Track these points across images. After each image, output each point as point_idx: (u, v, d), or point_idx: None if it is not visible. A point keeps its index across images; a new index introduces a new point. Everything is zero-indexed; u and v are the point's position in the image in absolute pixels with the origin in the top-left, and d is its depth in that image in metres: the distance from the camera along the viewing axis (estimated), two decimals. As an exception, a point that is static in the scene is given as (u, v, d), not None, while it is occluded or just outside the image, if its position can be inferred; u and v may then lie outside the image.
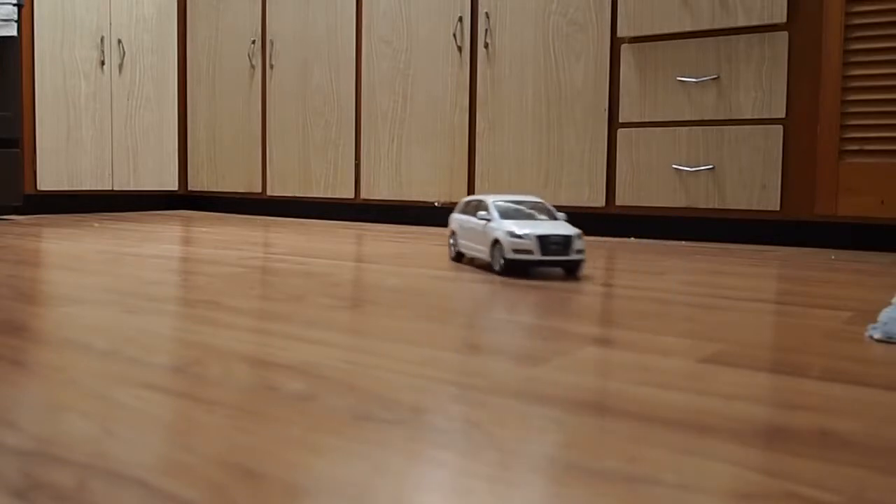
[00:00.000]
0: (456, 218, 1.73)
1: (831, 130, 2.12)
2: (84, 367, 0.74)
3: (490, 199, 1.60)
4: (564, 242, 1.47)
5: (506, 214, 1.55)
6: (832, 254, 2.04)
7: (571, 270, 1.51)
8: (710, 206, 2.30)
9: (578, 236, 1.49)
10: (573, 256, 1.48)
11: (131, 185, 3.38)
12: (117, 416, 0.59)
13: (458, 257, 1.74)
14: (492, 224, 1.53)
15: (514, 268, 1.48)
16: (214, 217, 3.27)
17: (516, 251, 1.47)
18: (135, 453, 0.51)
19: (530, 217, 1.56)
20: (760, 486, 0.47)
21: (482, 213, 1.59)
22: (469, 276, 1.47)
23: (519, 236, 1.47)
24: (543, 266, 1.48)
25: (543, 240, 1.46)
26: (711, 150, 2.29)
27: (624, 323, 1.01)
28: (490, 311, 1.08)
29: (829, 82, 2.11)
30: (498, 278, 1.44)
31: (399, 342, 0.87)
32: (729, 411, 0.63)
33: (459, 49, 2.76)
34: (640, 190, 2.42)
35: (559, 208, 2.57)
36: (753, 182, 2.23)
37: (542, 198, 2.58)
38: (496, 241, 1.51)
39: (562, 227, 1.49)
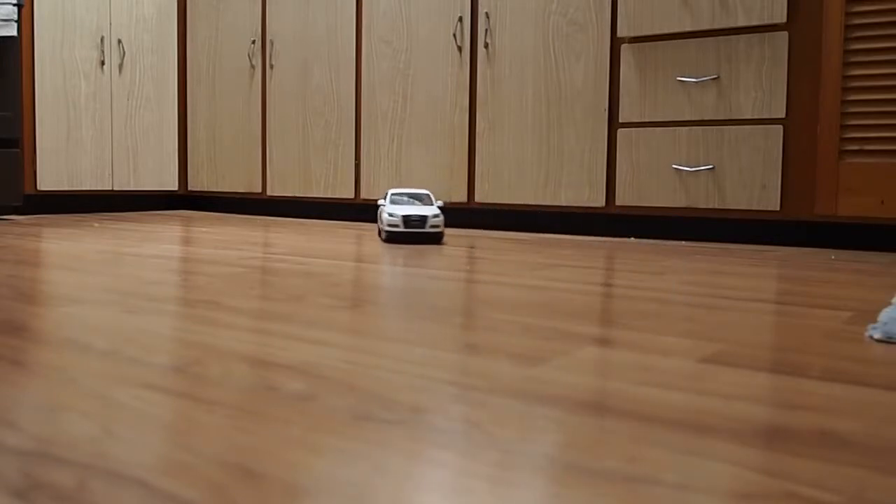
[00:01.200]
0: (379, 204, 2.29)
1: (831, 130, 2.12)
2: (84, 367, 0.74)
3: (390, 191, 2.20)
4: (421, 220, 2.07)
5: (394, 202, 2.16)
6: (832, 254, 2.04)
7: (434, 240, 2.12)
8: (710, 206, 2.30)
9: (435, 216, 2.08)
10: (428, 230, 2.07)
11: (131, 185, 3.38)
12: (117, 416, 0.59)
13: (380, 233, 2.29)
14: (382, 208, 2.16)
15: (391, 237, 2.11)
16: (214, 217, 3.27)
17: (390, 225, 2.08)
18: (135, 453, 0.51)
19: (411, 203, 2.14)
20: (760, 486, 0.47)
21: (381, 200, 2.21)
22: (469, 276, 1.47)
23: (391, 215, 2.08)
24: (407, 237, 2.09)
25: (406, 218, 2.07)
26: (711, 150, 2.29)
27: (624, 323, 1.01)
28: (490, 311, 1.08)
29: (829, 82, 2.11)
30: (499, 278, 1.44)
31: (399, 342, 0.87)
32: (729, 411, 0.63)
33: (459, 49, 2.76)
34: (640, 190, 2.42)
35: (559, 208, 2.58)
36: (753, 182, 2.23)
37: (539, 196, 2.59)
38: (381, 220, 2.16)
39: (425, 210, 2.09)
